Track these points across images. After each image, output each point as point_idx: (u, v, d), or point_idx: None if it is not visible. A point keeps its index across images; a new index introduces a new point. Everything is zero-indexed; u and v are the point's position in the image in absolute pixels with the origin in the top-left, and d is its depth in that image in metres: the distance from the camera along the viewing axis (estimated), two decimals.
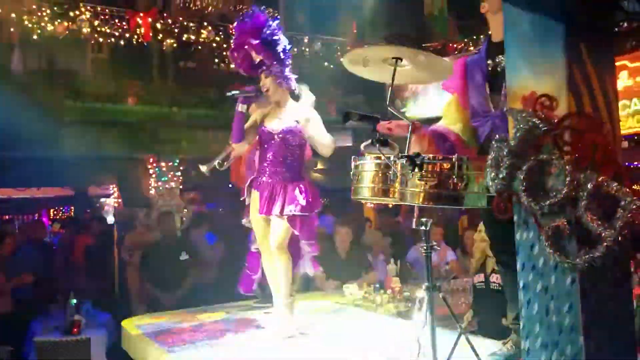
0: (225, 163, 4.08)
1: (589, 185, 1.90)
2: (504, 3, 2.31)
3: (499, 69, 2.68)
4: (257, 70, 3.68)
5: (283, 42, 3.60)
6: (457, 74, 2.88)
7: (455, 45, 9.44)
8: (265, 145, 3.65)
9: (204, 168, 4.08)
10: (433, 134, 2.77)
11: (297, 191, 3.53)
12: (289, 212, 3.48)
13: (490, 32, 2.88)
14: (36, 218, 13.84)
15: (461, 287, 5.06)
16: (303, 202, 3.51)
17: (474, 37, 9.07)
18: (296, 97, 3.70)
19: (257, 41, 3.53)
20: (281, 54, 3.59)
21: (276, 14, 9.67)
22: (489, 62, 2.76)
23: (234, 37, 3.73)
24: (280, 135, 3.58)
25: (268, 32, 3.53)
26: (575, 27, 2.07)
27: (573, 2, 2.06)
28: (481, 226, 4.49)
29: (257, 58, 3.64)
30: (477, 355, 2.62)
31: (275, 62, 3.57)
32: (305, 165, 3.74)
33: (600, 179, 1.90)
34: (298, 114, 3.61)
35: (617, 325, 2.01)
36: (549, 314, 2.01)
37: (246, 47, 3.63)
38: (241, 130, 3.67)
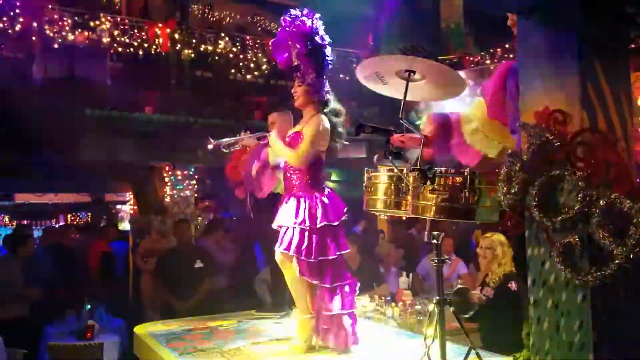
0: (230, 148, 4.14)
1: (602, 202, 1.89)
2: (518, 17, 2.32)
3: None
4: (291, 68, 3.54)
5: (327, 53, 3.44)
6: (496, 78, 2.66)
7: (471, 58, 9.42)
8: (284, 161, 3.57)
9: (212, 141, 4.14)
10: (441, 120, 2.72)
11: (297, 204, 3.34)
12: (280, 224, 3.37)
13: None
14: (53, 223, 14.04)
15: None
16: (297, 216, 3.29)
17: (491, 50, 9.05)
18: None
19: (302, 48, 3.37)
20: (322, 65, 3.43)
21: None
22: None
23: (280, 29, 3.53)
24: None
25: (316, 39, 3.38)
26: (589, 43, 2.07)
27: (587, 17, 2.07)
28: (482, 241, 4.49)
29: (296, 61, 3.49)
30: None
31: (312, 72, 3.41)
32: (314, 176, 3.45)
33: (613, 196, 1.89)
34: (304, 125, 3.45)
35: (629, 343, 1.99)
36: (559, 331, 1.99)
37: (289, 46, 3.49)
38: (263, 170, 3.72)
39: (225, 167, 4.33)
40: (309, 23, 3.38)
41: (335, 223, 3.34)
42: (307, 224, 3.27)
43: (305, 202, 3.33)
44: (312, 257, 3.26)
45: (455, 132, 2.77)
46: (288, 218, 3.33)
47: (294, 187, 3.42)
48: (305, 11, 3.39)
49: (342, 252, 3.38)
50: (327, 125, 3.39)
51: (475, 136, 2.75)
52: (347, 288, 3.41)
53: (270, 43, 3.65)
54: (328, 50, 3.46)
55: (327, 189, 3.46)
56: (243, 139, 4.15)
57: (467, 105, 2.95)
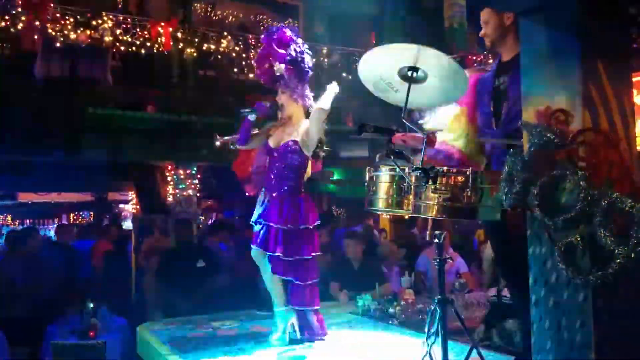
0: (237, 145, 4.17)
1: (603, 202, 1.89)
2: (520, 18, 2.32)
3: (502, 88, 2.71)
4: (276, 83, 3.73)
5: (307, 60, 3.67)
6: (469, 90, 2.90)
7: (474, 58, 9.42)
8: (269, 160, 3.72)
9: (219, 137, 4.16)
10: (437, 155, 2.79)
11: (285, 206, 3.54)
12: (260, 220, 3.56)
13: (501, 52, 2.89)
14: (56, 223, 14.05)
15: (475, 301, 5.01)
16: (280, 217, 3.50)
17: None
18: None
19: (284, 55, 3.61)
20: (303, 72, 3.66)
21: (296, 24, 9.77)
22: (496, 80, 2.78)
23: (261, 48, 3.82)
24: (279, 152, 3.63)
25: (295, 47, 3.61)
26: (591, 43, 2.07)
27: (589, 17, 2.07)
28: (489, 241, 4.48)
29: (278, 71, 3.69)
30: None
31: (295, 78, 3.63)
32: (304, 181, 3.71)
33: (614, 196, 1.89)
34: (299, 132, 3.63)
35: (630, 343, 1.99)
36: (560, 330, 1.99)
37: (270, 59, 3.70)
38: (247, 134, 3.78)
39: (231, 164, 4.34)
40: (288, 32, 3.64)
41: (311, 226, 3.60)
42: (289, 225, 3.50)
43: (288, 205, 3.54)
44: (290, 257, 3.52)
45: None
46: (270, 217, 3.52)
47: (278, 190, 3.59)
48: (284, 23, 3.67)
49: (316, 254, 3.65)
50: None
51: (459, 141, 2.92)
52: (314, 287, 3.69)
53: (255, 63, 3.86)
54: (307, 59, 3.69)
55: (304, 195, 3.68)
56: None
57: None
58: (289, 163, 3.60)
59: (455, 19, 10.26)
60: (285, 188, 3.60)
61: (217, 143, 4.11)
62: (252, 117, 3.75)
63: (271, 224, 3.50)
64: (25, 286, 5.84)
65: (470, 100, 2.91)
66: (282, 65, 3.62)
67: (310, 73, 3.73)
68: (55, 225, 11.61)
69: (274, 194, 3.59)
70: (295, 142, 3.59)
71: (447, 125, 2.95)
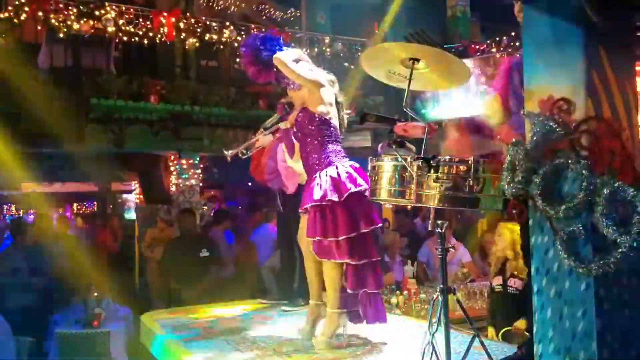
0: (248, 152, 4.18)
1: (606, 191, 1.89)
2: (524, 5, 2.30)
3: None
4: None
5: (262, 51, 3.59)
6: (502, 75, 2.83)
7: (477, 47, 9.36)
8: (299, 147, 3.54)
9: (227, 152, 4.17)
10: (469, 123, 2.75)
11: (316, 181, 3.21)
12: (304, 206, 3.24)
13: None
14: (60, 212, 14.08)
15: (478, 290, 5.03)
16: (317, 193, 3.13)
17: (497, 38, 8.98)
18: None
19: (252, 68, 3.68)
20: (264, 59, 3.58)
21: (298, 14, 9.72)
22: None
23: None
24: (297, 129, 3.43)
25: (254, 46, 3.62)
26: (595, 31, 2.05)
27: (592, 5, 2.05)
28: (497, 230, 4.46)
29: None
30: (490, 358, 2.61)
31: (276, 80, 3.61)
32: (330, 148, 3.30)
33: (616, 185, 1.89)
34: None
35: (632, 332, 1.99)
36: (562, 319, 2.00)
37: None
38: (292, 146, 3.63)
39: (249, 167, 4.42)
40: (253, 35, 3.76)
41: (363, 188, 3.08)
42: (330, 197, 3.08)
43: (326, 175, 3.16)
44: (339, 235, 3.07)
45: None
46: (309, 197, 3.17)
47: (314, 166, 3.27)
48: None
49: (373, 227, 3.20)
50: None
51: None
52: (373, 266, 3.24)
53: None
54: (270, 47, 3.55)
55: (349, 162, 3.27)
56: (258, 139, 4.18)
57: (472, 93, 2.98)
58: (307, 132, 3.31)
59: (458, 7, 10.21)
60: (317, 160, 3.25)
61: (228, 158, 4.15)
62: (283, 124, 3.75)
63: (314, 202, 3.12)
64: (28, 276, 5.87)
65: (503, 85, 2.79)
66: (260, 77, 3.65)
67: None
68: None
69: (313, 172, 3.26)
70: (303, 109, 3.40)
71: (483, 112, 2.89)
